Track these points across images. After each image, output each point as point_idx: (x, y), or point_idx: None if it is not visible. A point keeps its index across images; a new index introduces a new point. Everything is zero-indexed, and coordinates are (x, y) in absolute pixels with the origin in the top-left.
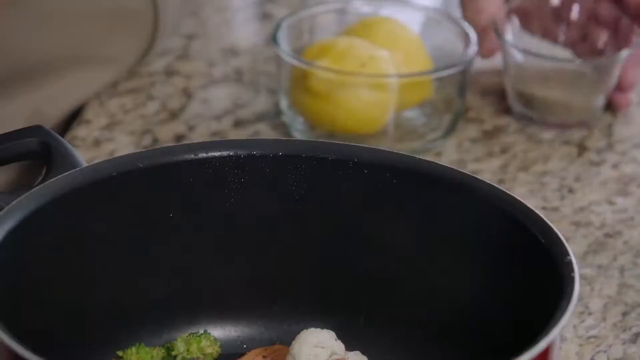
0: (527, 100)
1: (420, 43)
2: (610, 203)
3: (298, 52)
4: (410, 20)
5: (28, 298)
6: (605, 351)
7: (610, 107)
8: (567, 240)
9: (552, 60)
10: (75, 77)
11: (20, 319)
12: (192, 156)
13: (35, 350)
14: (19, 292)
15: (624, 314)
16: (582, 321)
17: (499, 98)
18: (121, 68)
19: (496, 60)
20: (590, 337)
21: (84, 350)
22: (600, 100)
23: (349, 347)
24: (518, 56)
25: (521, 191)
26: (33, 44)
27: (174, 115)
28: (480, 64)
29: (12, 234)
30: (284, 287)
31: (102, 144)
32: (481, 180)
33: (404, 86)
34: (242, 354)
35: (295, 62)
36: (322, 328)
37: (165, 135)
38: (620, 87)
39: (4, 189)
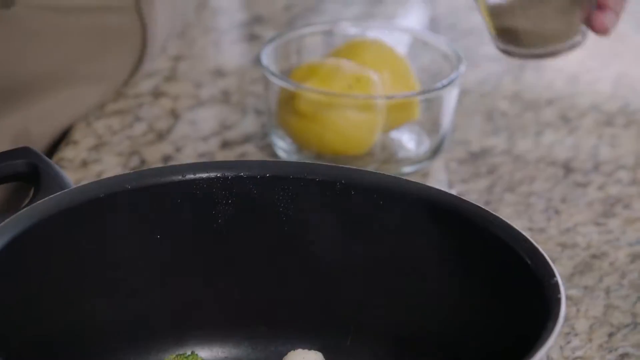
0: (508, 36)
1: (407, 64)
2: (597, 224)
3: (285, 73)
4: (397, 41)
5: (15, 320)
6: None
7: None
8: (553, 261)
9: None
10: (63, 96)
11: (8, 340)
12: (180, 177)
13: None
14: (7, 314)
15: (610, 334)
16: (568, 342)
17: (485, 119)
18: (109, 88)
19: (482, 81)
20: (576, 358)
21: None
22: (578, 22)
23: None
24: None
25: (507, 212)
26: (20, 62)
27: (161, 136)
28: (466, 85)
29: (0, 254)
30: (271, 308)
31: (90, 165)
32: (468, 202)
33: (391, 107)
34: None
35: (282, 84)
36: (309, 349)
37: (153, 156)
38: (599, 7)
39: None
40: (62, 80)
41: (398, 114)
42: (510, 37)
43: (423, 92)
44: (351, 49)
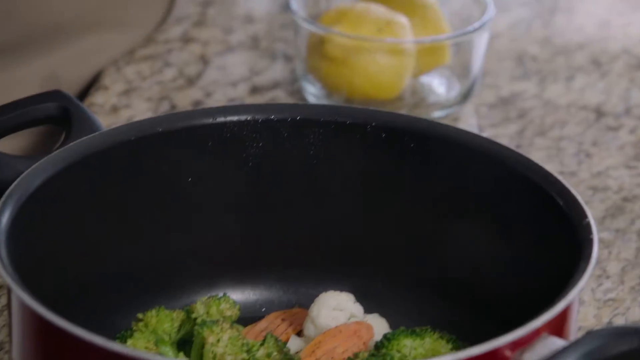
0: None
1: (437, 9)
2: (628, 167)
3: (314, 18)
4: None
5: (48, 262)
6: (623, 314)
7: None
8: (585, 204)
9: None
10: (92, 42)
11: (41, 283)
12: (211, 120)
13: (57, 312)
14: (40, 257)
15: None
16: (600, 284)
17: (516, 63)
18: (138, 34)
19: (512, 25)
20: (608, 300)
21: (104, 314)
22: None
23: (368, 310)
24: None
25: (538, 156)
26: (49, 6)
27: (191, 81)
28: (497, 29)
29: (31, 197)
30: (303, 250)
31: (120, 110)
32: (499, 144)
33: (421, 51)
34: (261, 317)
35: (311, 28)
36: (340, 291)
37: (183, 101)
38: None
39: (23, 153)
40: (91, 26)
41: (428, 58)
42: None
43: (453, 36)
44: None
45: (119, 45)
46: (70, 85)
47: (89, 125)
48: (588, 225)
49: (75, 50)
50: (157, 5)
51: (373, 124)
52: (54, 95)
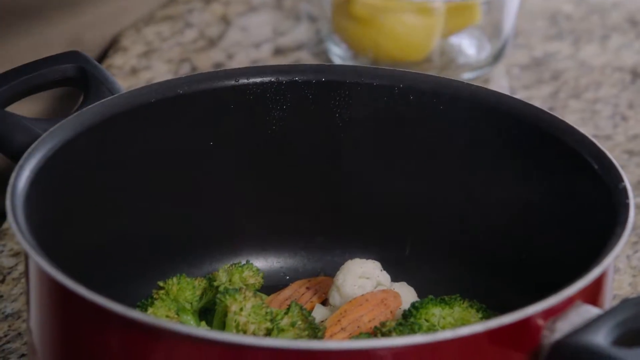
0: None
1: None
2: None
3: None
4: None
5: (67, 228)
6: None
7: None
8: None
9: None
10: (114, 4)
11: (59, 249)
12: (233, 82)
13: (77, 280)
14: (58, 222)
15: None
16: (636, 251)
17: (549, 23)
18: None
19: None
20: None
21: (125, 281)
22: None
23: (395, 278)
24: None
25: (572, 119)
26: None
27: (212, 43)
28: None
29: (49, 160)
30: (327, 217)
31: (139, 72)
32: (532, 106)
33: (451, 11)
34: (285, 286)
35: None
36: (367, 258)
37: (204, 63)
38: None
39: (42, 115)
40: None
41: (458, 18)
42: None
43: None
44: None
45: (141, 8)
46: (92, 48)
47: (108, 87)
48: (624, 190)
49: (97, 13)
50: None
51: (400, 85)
52: (72, 56)
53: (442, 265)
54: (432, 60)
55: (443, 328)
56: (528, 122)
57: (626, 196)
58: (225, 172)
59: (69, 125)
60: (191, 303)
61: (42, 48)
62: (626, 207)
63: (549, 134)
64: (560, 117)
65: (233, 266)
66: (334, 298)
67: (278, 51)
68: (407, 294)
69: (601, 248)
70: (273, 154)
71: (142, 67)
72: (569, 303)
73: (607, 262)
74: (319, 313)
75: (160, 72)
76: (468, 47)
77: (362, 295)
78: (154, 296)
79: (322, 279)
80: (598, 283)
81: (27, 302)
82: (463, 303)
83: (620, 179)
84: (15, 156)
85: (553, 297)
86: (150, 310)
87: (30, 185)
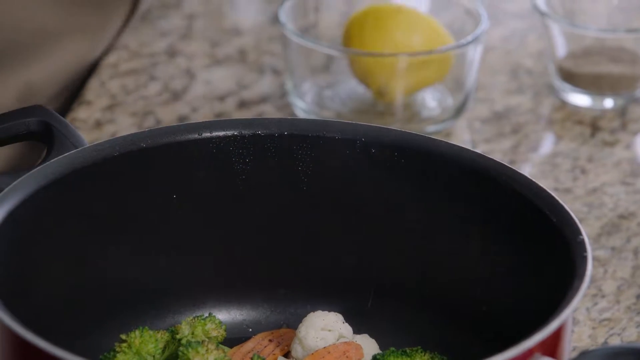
0: (575, 78)
1: (437, 26)
2: (624, 184)
3: (303, 30)
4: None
5: (29, 280)
6: (619, 334)
7: None
8: (580, 221)
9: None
10: (64, 50)
11: (22, 300)
12: (196, 136)
13: (38, 333)
14: (20, 274)
15: (638, 296)
16: (596, 304)
17: (509, 77)
18: (104, 40)
19: (506, 38)
20: (603, 320)
21: (86, 334)
22: None
23: (357, 330)
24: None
25: (533, 172)
26: (23, 17)
27: (176, 96)
28: (490, 42)
29: (12, 214)
30: (290, 270)
31: (104, 125)
32: (492, 160)
33: (419, 65)
34: (248, 338)
35: (301, 42)
36: (329, 310)
37: (168, 116)
38: None
39: (5, 169)
40: (57, 35)
41: (426, 72)
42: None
43: (445, 49)
44: (377, 15)
45: (88, 51)
46: (46, 96)
47: (72, 140)
48: (582, 243)
49: (48, 63)
50: (120, 9)
51: (362, 139)
52: (35, 110)
53: (404, 317)
54: (396, 114)
55: None
56: (488, 175)
57: (584, 249)
58: (188, 225)
59: (32, 179)
60: (154, 356)
61: None
62: (584, 260)
63: (509, 187)
64: (520, 170)
65: (196, 319)
66: (297, 350)
67: (242, 104)
68: (369, 346)
69: (560, 301)
70: (236, 207)
71: (106, 120)
72: (528, 355)
73: (565, 314)
74: None
75: (124, 125)
76: (431, 100)
77: (325, 347)
78: (117, 349)
79: (284, 331)
80: (556, 335)
81: None
82: (424, 355)
83: (579, 232)
84: None
85: (513, 349)
86: None
87: None
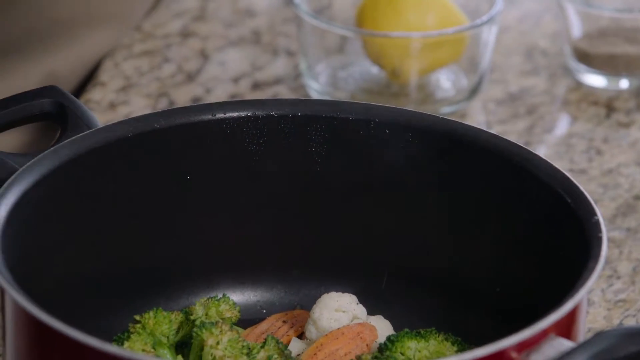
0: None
1: (452, 5)
2: (639, 165)
3: (317, 12)
4: None
5: (44, 261)
6: (634, 315)
7: None
8: (595, 202)
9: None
10: (88, 38)
11: (36, 282)
12: (210, 117)
13: (52, 314)
14: (35, 255)
15: None
16: (611, 285)
17: (524, 58)
18: (129, 26)
19: (521, 18)
20: (618, 301)
21: (101, 315)
22: None
23: (371, 311)
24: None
25: (548, 153)
26: (43, 6)
27: (190, 77)
28: (505, 23)
29: (26, 195)
30: (304, 251)
31: (118, 107)
32: (507, 140)
33: (433, 46)
34: (262, 319)
35: (315, 23)
36: (343, 292)
37: (182, 97)
38: None
39: (19, 150)
40: (85, 22)
41: (440, 53)
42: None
43: (460, 30)
44: None
45: (112, 39)
46: (68, 82)
47: (85, 121)
48: (597, 224)
49: (72, 49)
50: None
51: (376, 120)
52: (50, 91)
53: (418, 298)
54: (410, 95)
55: None
56: (503, 156)
57: (599, 230)
58: (202, 206)
59: (46, 160)
60: (168, 337)
61: (18, 83)
62: (599, 241)
63: (523, 168)
64: (535, 151)
65: (210, 300)
66: (311, 332)
67: (256, 86)
68: (383, 327)
69: (575, 281)
70: (250, 188)
71: (120, 101)
72: (542, 336)
73: (580, 295)
74: (296, 347)
75: (138, 106)
76: (445, 81)
77: (338, 328)
78: (131, 330)
79: (298, 312)
80: (571, 316)
81: (3, 337)
82: (438, 336)
83: (594, 213)
84: None
85: (527, 330)
86: (126, 344)
87: (7, 220)
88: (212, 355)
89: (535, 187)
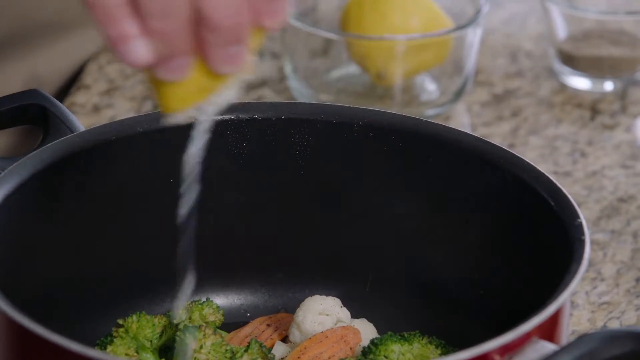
0: (574, 60)
1: (436, 8)
2: (624, 167)
3: (303, 15)
4: None
5: (26, 265)
6: (618, 317)
7: None
8: (579, 205)
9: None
10: (72, 41)
11: (18, 286)
12: (194, 120)
13: (34, 318)
14: (17, 259)
15: (638, 279)
16: (595, 287)
17: (509, 60)
18: None
19: (506, 21)
20: (602, 304)
21: (84, 319)
22: None
23: (355, 314)
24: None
25: (532, 155)
26: (27, 7)
27: None
28: (490, 25)
29: (8, 199)
30: (288, 254)
31: (102, 110)
32: (490, 143)
33: (418, 48)
34: (245, 323)
35: (299, 26)
36: (327, 295)
37: None
38: None
39: (1, 154)
40: (69, 24)
41: (425, 55)
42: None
43: (444, 32)
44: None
45: (97, 42)
46: (51, 85)
47: (68, 125)
48: (580, 226)
49: (54, 51)
50: None
51: (360, 122)
52: (32, 94)
53: (402, 301)
54: (395, 97)
55: None
56: (486, 159)
57: (582, 233)
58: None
59: (28, 164)
60: (151, 341)
61: (0, 86)
62: (582, 243)
63: (507, 170)
64: (520, 154)
65: (193, 303)
66: (294, 335)
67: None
68: (366, 331)
69: (558, 284)
70: (233, 192)
71: (104, 104)
72: (525, 339)
73: (563, 298)
74: (279, 350)
75: (122, 109)
76: (430, 84)
77: (322, 332)
78: (114, 334)
79: (282, 315)
80: (554, 319)
81: None
82: (422, 339)
83: (577, 216)
84: None
85: (510, 333)
86: (109, 348)
87: None
88: (195, 359)
89: (518, 190)
